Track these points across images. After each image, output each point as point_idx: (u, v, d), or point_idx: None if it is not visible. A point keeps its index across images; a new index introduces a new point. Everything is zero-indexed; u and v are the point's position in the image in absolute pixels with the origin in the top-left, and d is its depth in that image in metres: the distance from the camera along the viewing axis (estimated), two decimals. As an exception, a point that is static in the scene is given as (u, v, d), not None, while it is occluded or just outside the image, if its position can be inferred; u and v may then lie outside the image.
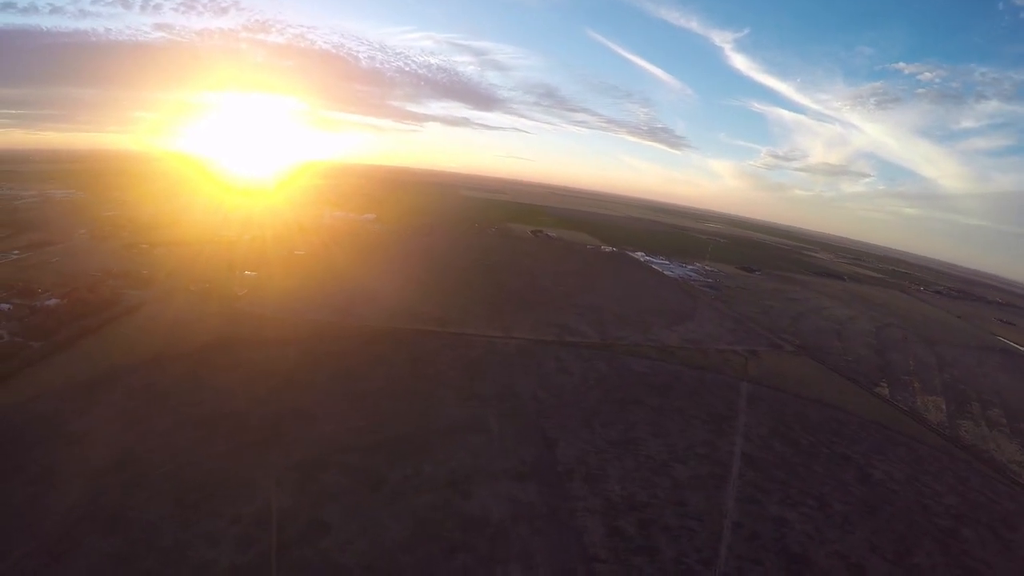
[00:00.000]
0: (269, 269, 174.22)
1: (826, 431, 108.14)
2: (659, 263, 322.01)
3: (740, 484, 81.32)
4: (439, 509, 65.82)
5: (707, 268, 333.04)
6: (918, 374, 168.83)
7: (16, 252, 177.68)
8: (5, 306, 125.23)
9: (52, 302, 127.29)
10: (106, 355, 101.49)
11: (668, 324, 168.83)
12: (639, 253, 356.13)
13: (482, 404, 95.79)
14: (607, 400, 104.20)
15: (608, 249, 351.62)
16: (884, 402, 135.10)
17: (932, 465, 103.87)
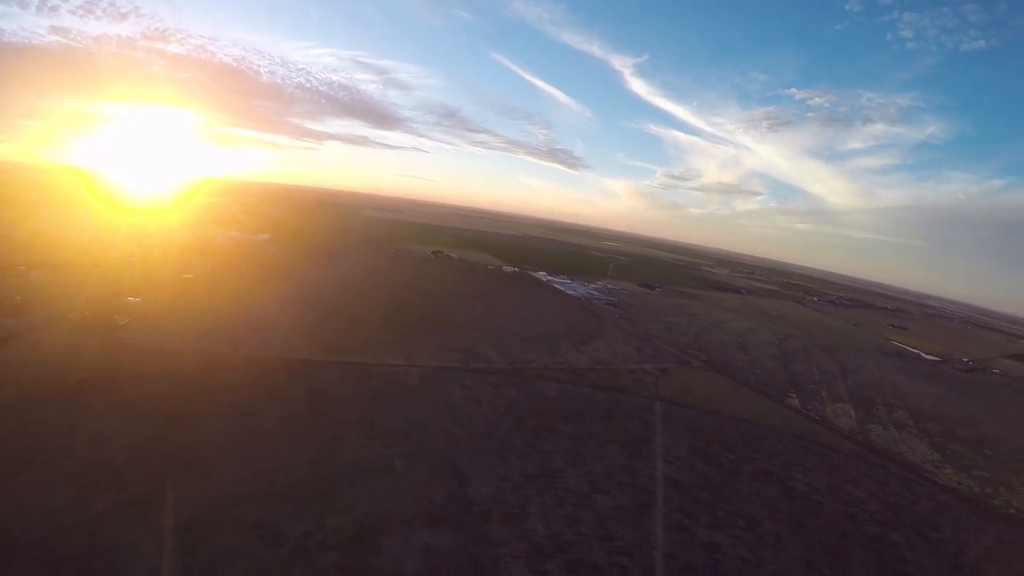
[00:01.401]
0: (155, 294, 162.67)
1: (745, 447, 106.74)
2: (561, 282, 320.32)
3: (666, 511, 77.69)
4: (347, 568, 59.04)
5: (609, 286, 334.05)
6: (824, 383, 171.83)
7: None
8: None
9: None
10: None
11: (575, 345, 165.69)
12: (541, 273, 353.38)
13: (387, 441, 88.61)
14: (519, 429, 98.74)
15: (510, 269, 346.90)
16: (796, 413, 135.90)
17: (850, 472, 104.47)
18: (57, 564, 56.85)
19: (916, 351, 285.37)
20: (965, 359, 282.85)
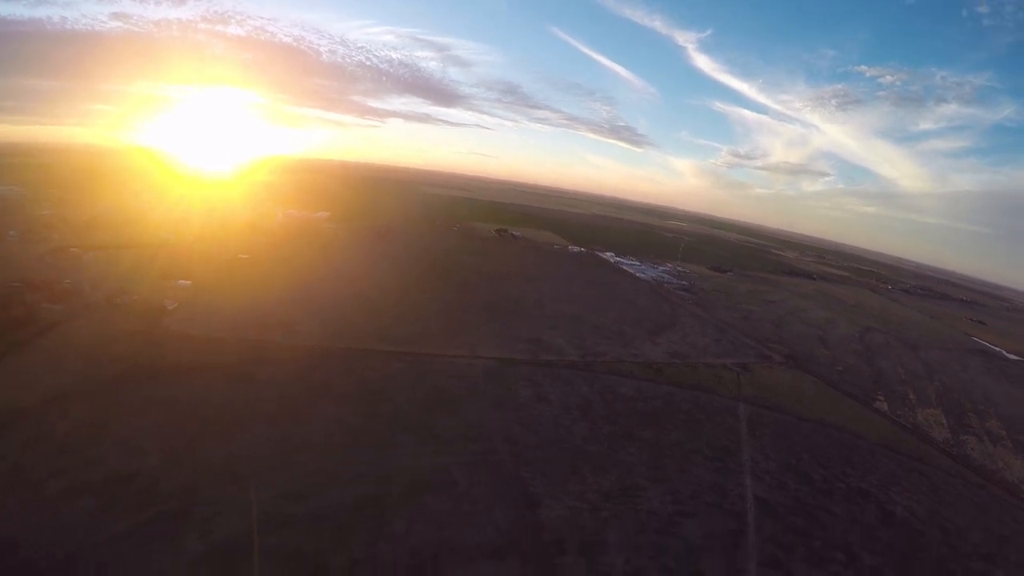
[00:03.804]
0: (207, 276, 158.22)
1: (837, 460, 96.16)
2: (630, 264, 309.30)
3: (758, 541, 68.13)
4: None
5: (679, 269, 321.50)
6: (911, 384, 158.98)
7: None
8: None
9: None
10: (3, 393, 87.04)
11: (650, 335, 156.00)
12: (608, 253, 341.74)
13: (447, 450, 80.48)
14: (595, 436, 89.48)
15: (576, 249, 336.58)
16: (886, 419, 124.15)
17: (949, 494, 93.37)
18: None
19: (998, 349, 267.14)
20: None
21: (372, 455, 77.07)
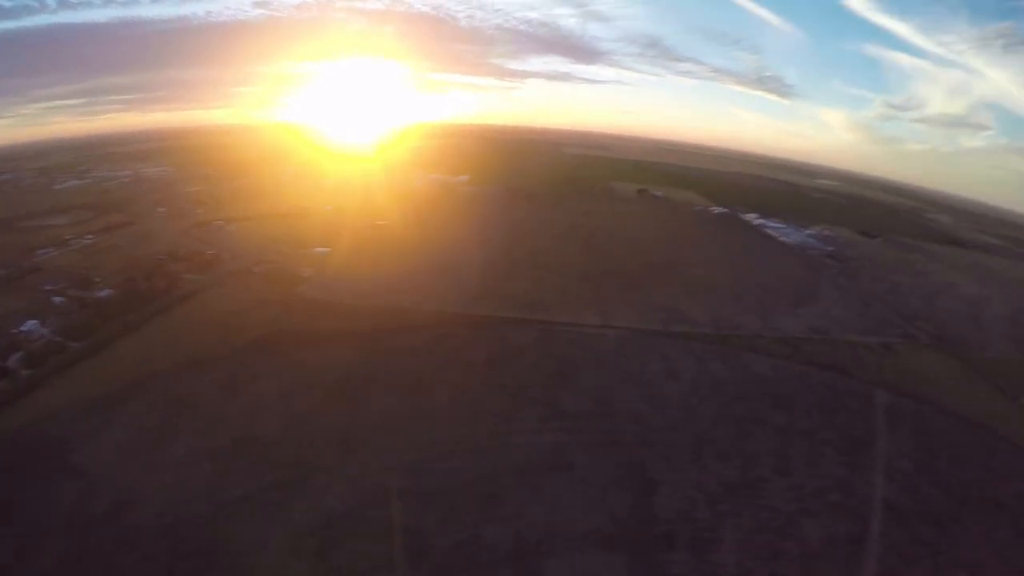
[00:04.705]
0: (344, 243, 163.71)
1: (976, 464, 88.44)
2: (774, 227, 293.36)
3: (881, 550, 64.33)
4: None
5: (825, 233, 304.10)
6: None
7: (90, 236, 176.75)
8: (58, 299, 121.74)
9: (104, 293, 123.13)
10: (140, 358, 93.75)
11: (790, 306, 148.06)
12: (752, 215, 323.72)
13: (569, 426, 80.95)
14: (723, 419, 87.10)
15: (719, 211, 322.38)
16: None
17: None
18: (175, 560, 55.21)
19: None
20: None
21: (493, 428, 78.80)
